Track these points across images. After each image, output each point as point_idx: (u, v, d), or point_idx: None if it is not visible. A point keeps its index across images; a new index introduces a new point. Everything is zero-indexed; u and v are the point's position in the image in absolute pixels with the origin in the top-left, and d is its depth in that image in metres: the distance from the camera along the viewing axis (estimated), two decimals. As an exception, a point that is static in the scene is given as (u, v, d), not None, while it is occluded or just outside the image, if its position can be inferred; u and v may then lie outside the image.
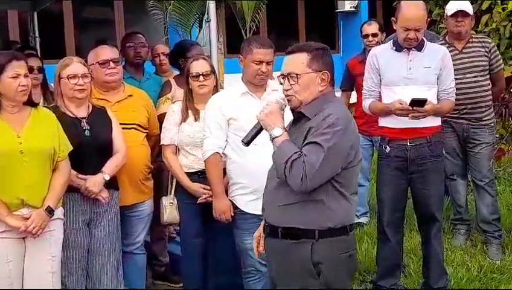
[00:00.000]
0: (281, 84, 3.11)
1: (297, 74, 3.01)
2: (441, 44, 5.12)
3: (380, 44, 5.62)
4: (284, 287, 3.09)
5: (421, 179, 4.40)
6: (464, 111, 5.21)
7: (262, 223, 3.30)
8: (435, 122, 4.41)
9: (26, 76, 3.55)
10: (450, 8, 5.23)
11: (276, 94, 3.21)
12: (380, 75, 4.42)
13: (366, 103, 4.51)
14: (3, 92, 3.51)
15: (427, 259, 4.56)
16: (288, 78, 3.03)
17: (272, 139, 2.98)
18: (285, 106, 3.07)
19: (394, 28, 4.41)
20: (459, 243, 5.47)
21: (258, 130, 3.06)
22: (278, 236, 3.06)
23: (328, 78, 3.05)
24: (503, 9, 6.05)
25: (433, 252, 4.51)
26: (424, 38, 4.43)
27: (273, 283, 3.22)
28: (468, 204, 5.71)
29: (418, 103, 4.19)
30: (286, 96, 3.05)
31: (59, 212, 3.71)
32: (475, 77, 5.20)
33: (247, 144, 3.10)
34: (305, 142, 2.92)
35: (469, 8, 5.22)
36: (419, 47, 4.35)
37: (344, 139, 2.94)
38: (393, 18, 4.41)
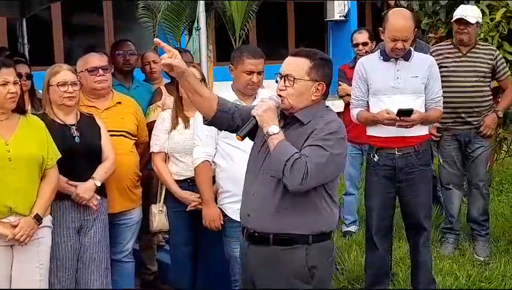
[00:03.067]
0: (277, 82, 3.11)
1: (294, 78, 3.00)
2: (447, 46, 5.31)
3: (370, 53, 5.66)
4: None
5: (409, 188, 4.42)
6: (463, 115, 5.30)
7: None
8: (423, 131, 4.44)
9: (15, 83, 3.54)
10: (455, 14, 5.34)
11: (271, 93, 3.20)
12: (367, 84, 4.44)
13: (354, 112, 4.53)
14: (-8, 99, 3.51)
15: (416, 268, 4.56)
16: (285, 79, 3.03)
17: (269, 136, 2.95)
18: (279, 105, 3.08)
19: (382, 38, 4.44)
20: (447, 252, 5.49)
21: (254, 125, 3.03)
22: (269, 243, 3.03)
23: (323, 89, 3.05)
24: (491, 19, 6.09)
25: (422, 261, 4.51)
26: (411, 48, 4.47)
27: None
28: (460, 214, 5.74)
29: (405, 113, 4.22)
30: (279, 96, 3.05)
31: (47, 220, 3.70)
32: (476, 81, 5.29)
33: (243, 137, 3.06)
34: (306, 144, 2.93)
35: (473, 16, 5.27)
36: (407, 56, 4.37)
37: (343, 148, 3.01)
38: (380, 28, 4.43)
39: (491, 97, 5.44)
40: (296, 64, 3.03)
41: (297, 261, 2.99)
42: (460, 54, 5.31)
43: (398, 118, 4.23)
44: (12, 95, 3.51)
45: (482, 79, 5.30)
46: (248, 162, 3.24)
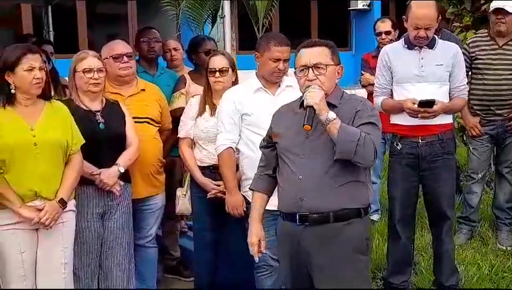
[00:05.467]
0: (296, 74, 3.26)
1: (326, 65, 3.20)
2: (484, 38, 5.31)
3: (393, 42, 5.62)
4: (334, 272, 3.18)
5: (433, 177, 4.40)
6: (492, 107, 5.30)
7: (256, 226, 3.42)
8: (447, 119, 4.41)
9: (40, 69, 3.57)
10: (493, 5, 5.30)
11: (295, 81, 3.33)
12: (391, 73, 4.42)
13: (378, 100, 4.51)
14: (17, 85, 3.53)
15: (438, 257, 4.55)
16: (313, 69, 3.19)
17: (329, 122, 3.06)
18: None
19: (405, 26, 4.41)
20: (459, 242, 5.41)
21: (314, 113, 3.11)
22: (329, 221, 3.15)
23: (342, 72, 3.29)
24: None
25: (444, 250, 4.50)
26: (436, 36, 4.43)
27: (304, 275, 3.25)
28: (480, 205, 5.71)
29: (426, 104, 4.19)
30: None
31: (71, 204, 3.73)
32: (508, 75, 5.25)
33: (312, 126, 3.13)
34: (358, 123, 3.13)
35: (511, 6, 5.21)
36: (431, 45, 4.34)
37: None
38: (404, 16, 4.41)
39: None
40: (319, 53, 3.23)
41: (358, 235, 3.20)
42: (497, 47, 5.29)
43: (420, 110, 4.21)
44: (38, 80, 3.54)
45: None
46: (283, 151, 3.30)
